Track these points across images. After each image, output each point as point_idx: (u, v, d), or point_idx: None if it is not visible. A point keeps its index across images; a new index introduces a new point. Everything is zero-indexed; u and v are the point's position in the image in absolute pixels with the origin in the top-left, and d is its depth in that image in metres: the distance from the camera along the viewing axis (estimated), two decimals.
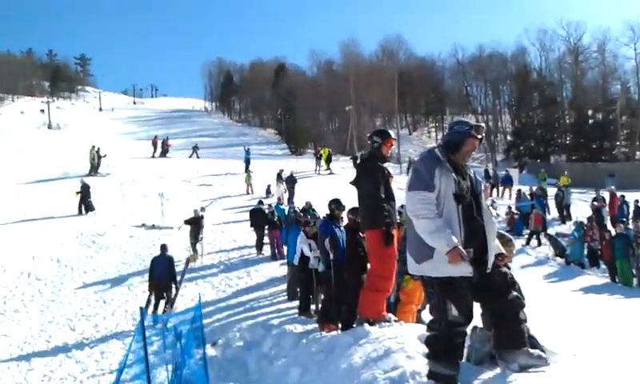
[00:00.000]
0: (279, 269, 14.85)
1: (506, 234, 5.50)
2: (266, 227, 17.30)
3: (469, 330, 4.20)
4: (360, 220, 6.95)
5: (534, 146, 56.68)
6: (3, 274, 15.79)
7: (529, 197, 24.12)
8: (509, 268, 4.97)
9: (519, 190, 26.47)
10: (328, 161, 35.68)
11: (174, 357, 7.35)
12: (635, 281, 14.98)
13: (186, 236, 17.54)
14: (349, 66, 62.64)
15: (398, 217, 6.75)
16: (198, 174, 31.42)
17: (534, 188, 25.88)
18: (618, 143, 53.48)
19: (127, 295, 14.03)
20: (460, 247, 3.76)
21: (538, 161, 48.64)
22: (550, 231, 20.20)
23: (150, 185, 27.84)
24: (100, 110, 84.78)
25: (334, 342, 6.38)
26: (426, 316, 6.10)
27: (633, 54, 59.65)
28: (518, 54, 65.65)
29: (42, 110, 68.88)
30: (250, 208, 19.00)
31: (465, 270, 3.85)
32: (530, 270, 16.61)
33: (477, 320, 4.29)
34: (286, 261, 13.79)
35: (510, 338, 4.09)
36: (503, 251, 4.33)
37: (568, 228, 20.48)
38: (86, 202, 22.76)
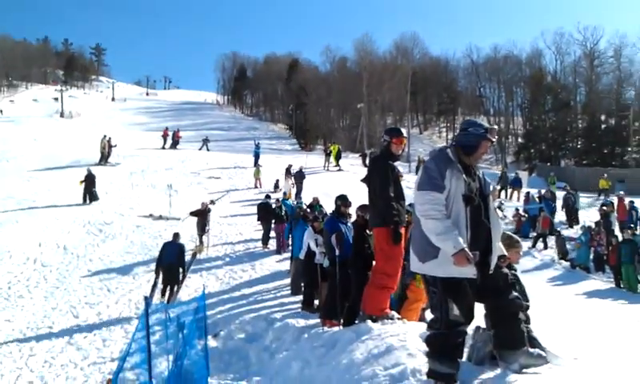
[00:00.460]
0: (284, 263, 14.88)
1: (514, 235, 5.49)
2: (273, 222, 17.37)
3: (469, 329, 4.22)
4: (368, 217, 6.95)
5: (545, 149, 56.46)
6: (9, 259, 15.95)
7: (537, 200, 24.00)
8: (515, 269, 4.99)
9: (528, 193, 26.38)
10: (337, 157, 35.62)
11: (176, 347, 7.37)
12: None
13: (192, 227, 17.60)
14: (362, 63, 62.62)
15: (406, 216, 6.74)
16: (207, 167, 31.49)
17: (543, 191, 25.75)
18: (629, 149, 53.04)
19: (132, 284, 14.13)
20: (467, 250, 3.76)
21: (548, 164, 48.36)
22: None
23: (159, 176, 28.04)
24: (112, 100, 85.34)
25: (335, 338, 6.35)
26: (430, 315, 6.11)
27: None
28: (534, 56, 65.39)
29: (56, 99, 69.43)
30: (258, 202, 19.05)
31: (469, 271, 3.86)
32: (535, 273, 16.52)
33: (480, 320, 4.30)
34: (289, 255, 13.82)
35: (510, 337, 4.11)
36: (505, 253, 4.34)
37: (575, 232, 20.38)
38: (90, 191, 22.87)
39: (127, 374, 6.53)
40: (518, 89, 67.08)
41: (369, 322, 6.16)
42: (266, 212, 17.60)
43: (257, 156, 31.90)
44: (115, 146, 31.84)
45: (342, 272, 7.94)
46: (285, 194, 21.58)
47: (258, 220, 17.90)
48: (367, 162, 26.08)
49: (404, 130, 6.81)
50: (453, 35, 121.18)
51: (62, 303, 13.01)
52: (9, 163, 29.93)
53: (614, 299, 13.93)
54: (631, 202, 21.65)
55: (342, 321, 7.51)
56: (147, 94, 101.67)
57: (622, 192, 24.01)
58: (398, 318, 6.34)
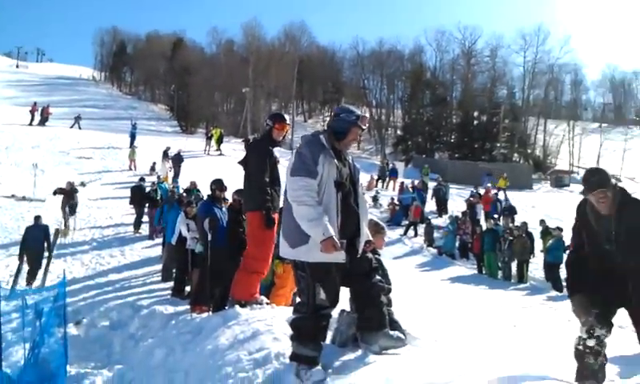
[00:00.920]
0: (156, 248, 14.42)
1: (380, 222, 5.62)
2: (147, 206, 16.79)
3: (334, 313, 4.28)
4: (243, 201, 6.86)
5: (422, 141, 58.85)
6: None
7: (410, 190, 25.00)
8: (379, 254, 5.10)
9: (402, 183, 27.40)
10: (219, 142, 35.10)
11: (33, 335, 6.92)
12: (500, 273, 15.95)
13: (58, 209, 16.58)
14: (250, 48, 61.83)
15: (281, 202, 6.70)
16: (78, 146, 29.87)
17: (416, 181, 26.93)
18: (498, 145, 56.71)
19: None
20: (335, 238, 3.80)
21: (424, 156, 50.62)
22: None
23: (24, 154, 26.21)
24: None
25: (202, 324, 6.26)
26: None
27: (522, 61, 63.31)
28: (415, 52, 67.34)
29: None
30: (132, 185, 18.40)
31: (339, 256, 3.93)
32: (405, 259, 17.26)
33: (345, 303, 4.40)
34: (162, 241, 13.42)
35: (372, 320, 4.21)
36: (371, 238, 4.44)
37: (444, 221, 21.46)
38: None
39: None
40: (399, 82, 68.89)
41: (237, 307, 6.09)
42: (139, 195, 17.04)
43: (133, 136, 30.68)
44: None
45: (213, 257, 7.82)
46: (159, 177, 20.94)
47: (131, 203, 17.23)
48: None
49: (288, 117, 6.74)
50: (340, 26, 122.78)
51: None
52: None
53: (476, 284, 14.82)
54: (495, 194, 23.16)
55: (211, 307, 7.36)
56: (17, 67, 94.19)
57: (489, 184, 25.58)
58: (267, 303, 6.33)
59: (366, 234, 4.27)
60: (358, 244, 4.15)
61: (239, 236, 7.29)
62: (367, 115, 4.30)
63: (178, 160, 24.70)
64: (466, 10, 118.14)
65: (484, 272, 16.37)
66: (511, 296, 13.26)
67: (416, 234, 20.75)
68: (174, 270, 11.17)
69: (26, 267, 12.24)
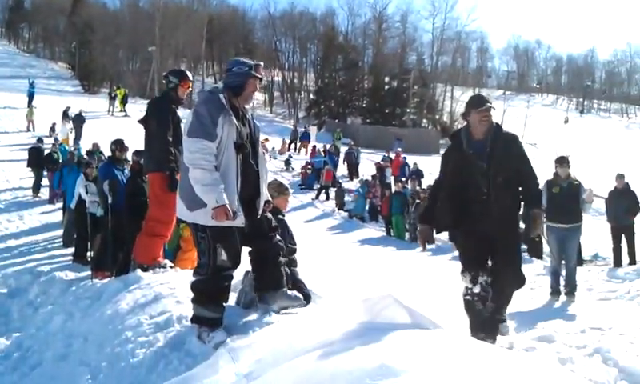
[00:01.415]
0: (57, 213, 13.81)
1: (284, 183, 5.58)
2: (46, 168, 16.01)
3: (237, 274, 4.24)
4: (143, 162, 6.60)
5: (334, 106, 59.16)
6: None
7: (322, 154, 25.18)
8: (282, 215, 5.07)
9: (314, 147, 27.55)
10: (123, 102, 33.78)
11: None
12: (407, 235, 16.41)
13: None
14: (156, 4, 59.16)
15: None
16: None
17: (328, 145, 27.14)
18: (408, 110, 58.00)
19: None
20: (227, 206, 3.72)
21: (337, 121, 51.01)
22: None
23: None
24: None
25: (103, 289, 6.00)
26: None
27: (431, 27, 64.60)
28: (327, 15, 67.37)
29: None
30: (30, 146, 17.39)
31: (237, 221, 3.86)
32: (317, 222, 17.41)
33: (248, 265, 4.37)
34: (62, 205, 12.85)
35: (270, 280, 4.22)
36: (270, 198, 4.39)
37: (355, 185, 21.79)
38: None
39: None
40: (312, 46, 68.64)
41: (138, 271, 5.90)
42: (37, 158, 16.17)
43: (31, 96, 28.95)
44: None
45: (114, 221, 7.58)
46: (56, 139, 19.94)
47: (28, 166, 16.33)
48: None
49: (190, 75, 6.49)
50: None
51: None
52: None
53: (384, 246, 15.20)
54: (404, 158, 23.73)
55: (114, 272, 7.15)
56: None
57: (399, 149, 26.17)
58: (171, 267, 6.19)
59: (265, 194, 4.22)
60: (258, 205, 4.11)
61: (139, 199, 7.07)
62: (261, 63, 4.14)
63: (79, 121, 23.59)
64: None
65: (392, 234, 16.79)
66: (417, 256, 13.67)
67: (327, 198, 20.99)
68: (75, 236, 10.73)
69: None
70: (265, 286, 4.23)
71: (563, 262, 8.20)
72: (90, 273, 7.95)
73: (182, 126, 6.26)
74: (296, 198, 20.74)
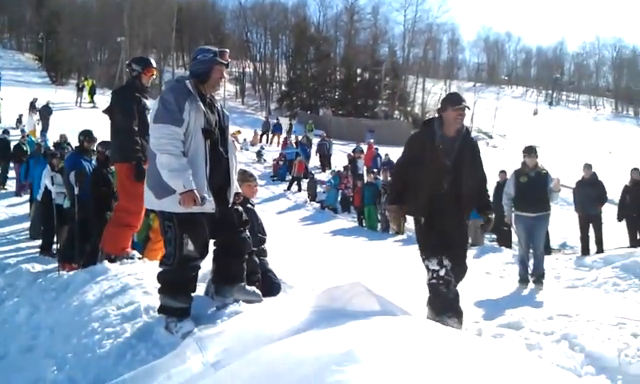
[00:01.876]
0: (24, 206, 13.59)
1: (247, 170, 5.54)
2: (14, 160, 15.80)
3: (205, 264, 4.21)
4: (110, 153, 6.51)
5: (306, 97, 59.09)
6: None
7: (294, 145, 25.15)
8: (252, 204, 5.05)
9: (286, 138, 27.50)
10: (91, 93, 33.25)
11: None
12: (379, 226, 16.47)
13: None
14: None
15: None
16: None
17: (300, 137, 27.13)
18: (380, 102, 58.20)
19: None
20: (195, 191, 3.70)
21: (309, 112, 50.95)
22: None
23: None
24: None
25: (69, 281, 5.96)
26: None
27: (402, 19, 64.89)
28: (299, 6, 67.21)
29: None
30: None
31: (207, 206, 3.83)
32: (289, 214, 17.39)
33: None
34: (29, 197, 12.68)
35: (231, 273, 4.20)
36: (240, 190, 4.37)
37: (327, 176, 21.82)
38: None
39: None
40: (283, 37, 68.31)
41: (106, 262, 5.86)
42: (3, 150, 15.90)
43: None
44: None
45: (81, 212, 7.46)
46: (23, 130, 19.56)
47: None
48: None
49: (153, 62, 6.41)
50: None
51: None
52: None
53: (356, 237, 15.23)
54: (376, 149, 23.81)
55: (81, 263, 7.04)
56: None
57: (371, 140, 26.23)
58: (139, 258, 6.14)
59: (236, 184, 4.22)
60: (229, 194, 4.09)
61: (103, 189, 7.05)
62: (227, 50, 4.13)
63: (46, 112, 23.14)
64: None
65: (364, 224, 16.84)
66: (389, 246, 13.74)
67: (300, 189, 21.00)
68: (42, 227, 10.56)
69: None
70: (224, 279, 4.21)
71: (531, 250, 8.33)
72: (56, 265, 7.85)
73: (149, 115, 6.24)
74: (268, 189, 20.73)
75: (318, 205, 19.11)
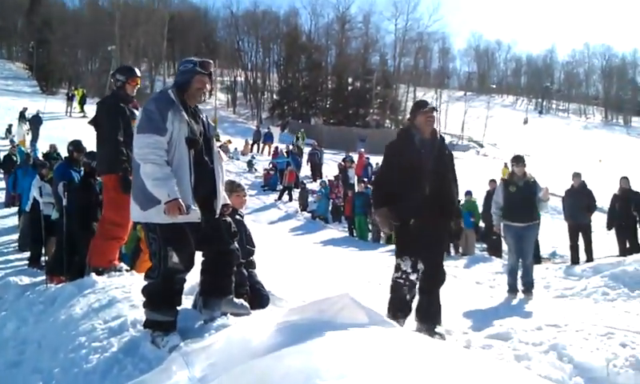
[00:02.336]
0: (13, 218, 13.54)
1: (235, 180, 5.53)
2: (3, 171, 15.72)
3: (191, 276, 4.19)
4: (96, 164, 6.47)
5: (298, 106, 59.20)
6: None
7: (285, 154, 25.14)
8: (240, 215, 5.03)
9: (277, 147, 27.51)
10: (82, 103, 33.13)
11: None
12: (370, 235, 16.47)
13: None
14: (115, 3, 57.98)
15: None
16: None
17: (291, 146, 27.13)
18: (371, 111, 58.39)
19: None
20: (180, 200, 3.67)
21: (300, 121, 50.96)
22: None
23: None
24: None
25: (57, 294, 5.90)
26: None
27: (393, 28, 65.56)
28: (290, 14, 67.48)
29: None
30: None
31: (193, 216, 3.81)
32: (280, 224, 17.36)
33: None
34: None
35: (219, 286, 4.16)
36: (229, 201, 4.35)
37: (318, 186, 21.81)
38: None
39: None
40: (275, 46, 68.42)
41: (93, 274, 5.79)
42: None
43: None
44: None
45: (70, 223, 7.37)
46: (12, 141, 19.47)
47: None
48: None
49: (138, 71, 6.37)
50: None
51: None
52: None
53: (347, 247, 15.18)
54: (367, 159, 23.82)
55: (69, 276, 6.96)
56: None
57: (362, 149, 26.24)
58: (127, 270, 6.08)
59: (223, 195, 4.19)
60: (215, 205, 4.06)
61: (91, 201, 7.00)
62: (211, 61, 4.13)
63: (36, 122, 22.97)
64: None
65: (355, 234, 16.83)
66: (379, 257, 13.71)
67: (291, 199, 20.98)
68: (31, 239, 10.49)
69: None
70: (211, 292, 4.18)
71: (521, 260, 8.35)
72: (44, 277, 7.79)
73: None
74: (259, 199, 20.69)
75: (308, 214, 19.09)
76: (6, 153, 16.18)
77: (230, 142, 30.05)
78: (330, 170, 24.83)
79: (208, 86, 4.27)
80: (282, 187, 21.73)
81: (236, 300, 4.23)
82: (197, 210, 3.84)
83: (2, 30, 70.73)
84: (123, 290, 5.06)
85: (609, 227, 12.23)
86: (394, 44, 65.43)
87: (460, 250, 14.36)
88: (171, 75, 63.12)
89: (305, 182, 22.51)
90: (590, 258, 11.68)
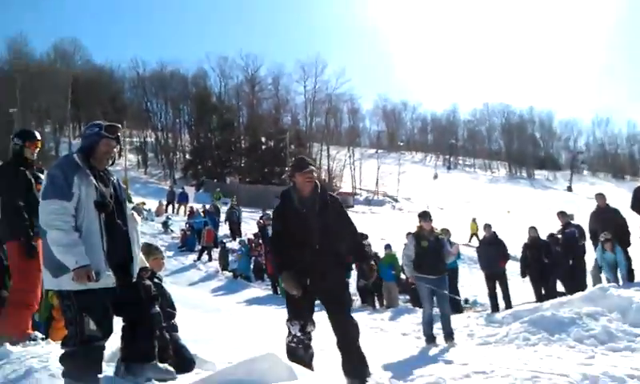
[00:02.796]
0: None
1: (153, 243, 5.41)
2: None
3: (111, 343, 4.04)
4: None
5: (212, 165, 58.95)
6: None
7: (202, 214, 24.74)
8: (160, 279, 4.84)
9: (192, 207, 27.11)
10: None
11: None
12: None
13: None
14: (16, 66, 55.96)
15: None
16: None
17: (207, 206, 26.76)
18: (286, 168, 58.81)
19: None
20: (90, 267, 3.59)
21: (215, 180, 50.59)
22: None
23: None
24: None
25: None
26: None
27: (303, 90, 67.38)
28: (199, 76, 67.31)
29: None
30: None
31: (108, 281, 3.72)
32: (201, 285, 16.95)
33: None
34: None
35: (141, 352, 4.05)
36: (147, 264, 4.37)
37: (237, 244, 21.47)
38: None
39: None
40: (185, 106, 67.69)
41: (7, 344, 5.36)
42: None
43: None
44: None
45: None
46: None
47: None
48: None
49: (37, 133, 6.11)
50: (117, 47, 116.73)
51: None
52: None
53: (271, 305, 14.90)
54: None
55: None
56: None
57: None
58: (42, 338, 5.70)
59: (140, 258, 4.13)
60: (132, 268, 3.97)
61: None
62: (119, 125, 4.11)
63: None
64: (247, 38, 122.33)
65: (279, 292, 16.53)
66: None
67: (210, 259, 20.54)
68: None
69: None
70: (134, 357, 4.05)
71: (438, 310, 8.58)
72: None
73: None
74: (177, 260, 20.09)
75: (230, 274, 18.73)
76: None
77: (144, 203, 29.23)
78: (249, 228, 24.61)
79: (115, 150, 4.20)
80: (200, 247, 21.21)
81: (160, 365, 4.12)
82: (110, 275, 3.75)
83: None
84: (40, 360, 4.73)
85: (523, 275, 12.70)
86: (305, 104, 67.15)
87: (385, 303, 14.41)
88: (77, 137, 61.10)
89: (224, 241, 22.11)
90: (508, 305, 12.03)
